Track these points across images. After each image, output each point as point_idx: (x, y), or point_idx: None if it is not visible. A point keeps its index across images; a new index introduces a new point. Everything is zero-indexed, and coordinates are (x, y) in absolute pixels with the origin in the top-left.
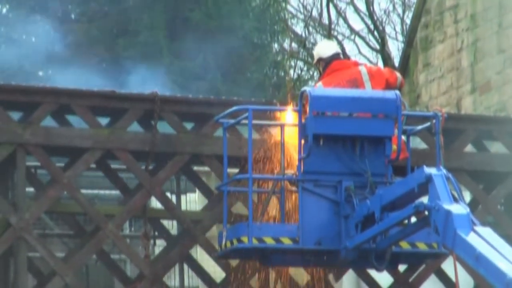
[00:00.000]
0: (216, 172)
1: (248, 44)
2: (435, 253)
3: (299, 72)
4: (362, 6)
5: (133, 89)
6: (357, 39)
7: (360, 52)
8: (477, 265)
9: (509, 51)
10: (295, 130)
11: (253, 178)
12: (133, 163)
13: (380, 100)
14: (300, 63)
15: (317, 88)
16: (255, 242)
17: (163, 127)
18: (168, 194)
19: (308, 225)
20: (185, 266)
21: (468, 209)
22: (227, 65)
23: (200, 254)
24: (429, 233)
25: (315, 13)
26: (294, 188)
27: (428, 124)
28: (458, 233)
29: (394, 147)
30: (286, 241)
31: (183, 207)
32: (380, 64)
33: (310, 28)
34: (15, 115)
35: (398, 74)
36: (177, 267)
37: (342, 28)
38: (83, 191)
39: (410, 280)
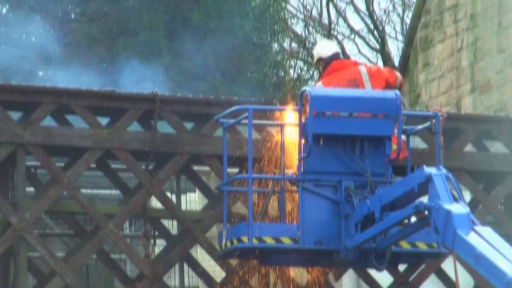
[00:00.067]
0: (216, 172)
1: (248, 44)
2: (435, 253)
3: (299, 72)
4: (362, 6)
5: (133, 89)
6: (357, 39)
7: (360, 52)
8: (477, 265)
9: (509, 51)
10: (295, 130)
11: (253, 178)
12: (133, 163)
13: (380, 100)
14: (300, 63)
15: (317, 88)
16: (255, 241)
17: (163, 127)
18: (168, 194)
19: (308, 224)
20: (185, 266)
21: (468, 209)
22: (227, 65)
23: (200, 254)
24: (429, 232)
25: (315, 12)
26: (294, 188)
27: (428, 124)
28: (458, 232)
29: (394, 146)
30: (286, 241)
31: (183, 206)
32: (380, 63)
33: (310, 28)
34: (15, 115)
35: (398, 74)
36: (177, 267)
37: (342, 27)
38: (83, 190)
39: (410, 279)
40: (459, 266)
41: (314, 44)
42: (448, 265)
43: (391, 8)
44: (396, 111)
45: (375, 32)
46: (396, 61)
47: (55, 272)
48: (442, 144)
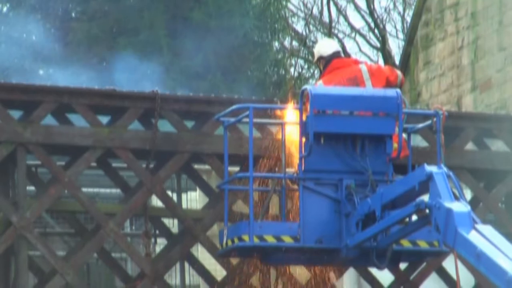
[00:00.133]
0: (216, 170)
1: (248, 42)
2: (436, 251)
3: (300, 70)
4: (362, 4)
5: (134, 88)
6: (358, 37)
7: (360, 50)
8: (478, 263)
9: (510, 49)
10: (296, 129)
11: (254, 176)
12: (134, 161)
13: (381, 98)
14: (300, 61)
15: (317, 86)
16: (256, 240)
17: (164, 126)
18: (169, 193)
19: (309, 223)
20: (186, 265)
21: (469, 207)
22: (228, 64)
23: (201, 253)
24: (430, 231)
25: (315, 11)
26: (295, 187)
27: (429, 122)
28: (459, 231)
29: (395, 145)
30: (287, 240)
31: (184, 205)
32: (381, 62)
33: (311, 26)
34: (16, 114)
35: (398, 72)
36: (178, 265)
37: (342, 26)
38: (84, 189)
39: (411, 278)
40: (460, 264)
41: (314, 42)
42: (449, 264)
43: (391, 6)
44: (397, 110)
45: (376, 31)
46: (397, 60)
47: (55, 271)
48: (443, 143)
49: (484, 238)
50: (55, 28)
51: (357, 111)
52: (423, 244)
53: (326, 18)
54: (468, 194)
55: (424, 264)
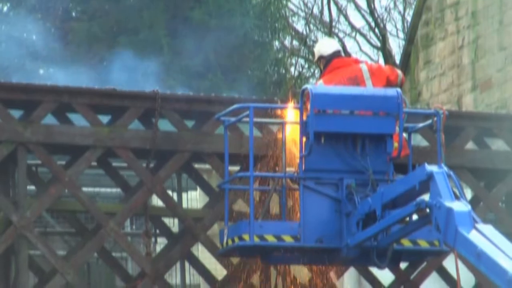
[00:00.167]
0: (217, 170)
1: (248, 42)
2: (437, 251)
3: (300, 69)
4: (363, 4)
5: (134, 87)
6: (358, 37)
7: (361, 50)
8: (479, 263)
9: (510, 49)
10: (296, 128)
11: (254, 176)
12: (134, 161)
13: (381, 97)
14: (301, 61)
15: (318, 85)
16: (256, 240)
17: (164, 125)
18: (169, 192)
19: (310, 223)
20: (187, 264)
21: (469, 207)
22: (228, 63)
23: (201, 252)
24: (431, 230)
25: (316, 10)
26: (295, 186)
27: (429, 121)
28: (459, 230)
29: (396, 144)
30: (288, 239)
31: (184, 205)
32: (381, 61)
33: (311, 26)
34: (16, 113)
35: (399, 72)
36: (178, 265)
37: (343, 25)
38: (84, 189)
39: (412, 277)
40: (460, 264)
41: (315, 42)
42: (449, 263)
43: (392, 5)
44: (397, 109)
45: (376, 30)
46: (397, 59)
47: (56, 271)
48: (443, 142)
49: (485, 237)
50: (55, 27)
51: (358, 111)
52: (423, 244)
53: (326, 18)
54: (468, 194)
55: (425, 263)
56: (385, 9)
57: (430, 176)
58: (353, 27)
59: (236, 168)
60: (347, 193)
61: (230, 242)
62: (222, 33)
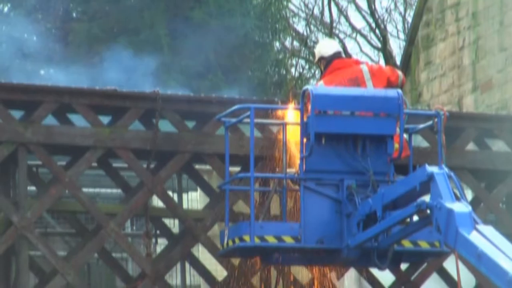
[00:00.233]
0: (217, 170)
1: (249, 42)
2: (437, 252)
3: (301, 70)
4: (363, 4)
5: (134, 88)
6: (359, 38)
7: (361, 51)
8: (479, 264)
9: (511, 49)
10: (297, 129)
11: (255, 176)
12: (135, 161)
13: (382, 98)
14: (301, 62)
15: (318, 86)
16: (257, 240)
17: (165, 126)
18: (170, 193)
19: (310, 223)
20: (187, 265)
21: (470, 208)
22: (228, 64)
23: (201, 253)
24: (431, 231)
25: (316, 11)
26: (296, 187)
27: (430, 122)
28: (460, 231)
29: (396, 145)
30: (288, 240)
31: (185, 205)
32: (382, 62)
33: (312, 27)
34: (17, 114)
35: (399, 72)
36: (178, 265)
37: (343, 26)
38: (85, 189)
39: (412, 278)
40: (461, 265)
41: (315, 42)
42: (450, 264)
43: (392, 6)
44: (398, 110)
45: (377, 31)
46: (398, 60)
47: (56, 271)
48: (444, 143)
49: (485, 238)
50: (55, 28)
51: (358, 112)
52: (424, 245)
53: (327, 18)
54: (469, 195)
55: (425, 264)
56: (386, 10)
57: (431, 177)
58: (353, 28)
59: (236, 169)
60: (347, 194)
61: (230, 243)
62: (223, 33)
